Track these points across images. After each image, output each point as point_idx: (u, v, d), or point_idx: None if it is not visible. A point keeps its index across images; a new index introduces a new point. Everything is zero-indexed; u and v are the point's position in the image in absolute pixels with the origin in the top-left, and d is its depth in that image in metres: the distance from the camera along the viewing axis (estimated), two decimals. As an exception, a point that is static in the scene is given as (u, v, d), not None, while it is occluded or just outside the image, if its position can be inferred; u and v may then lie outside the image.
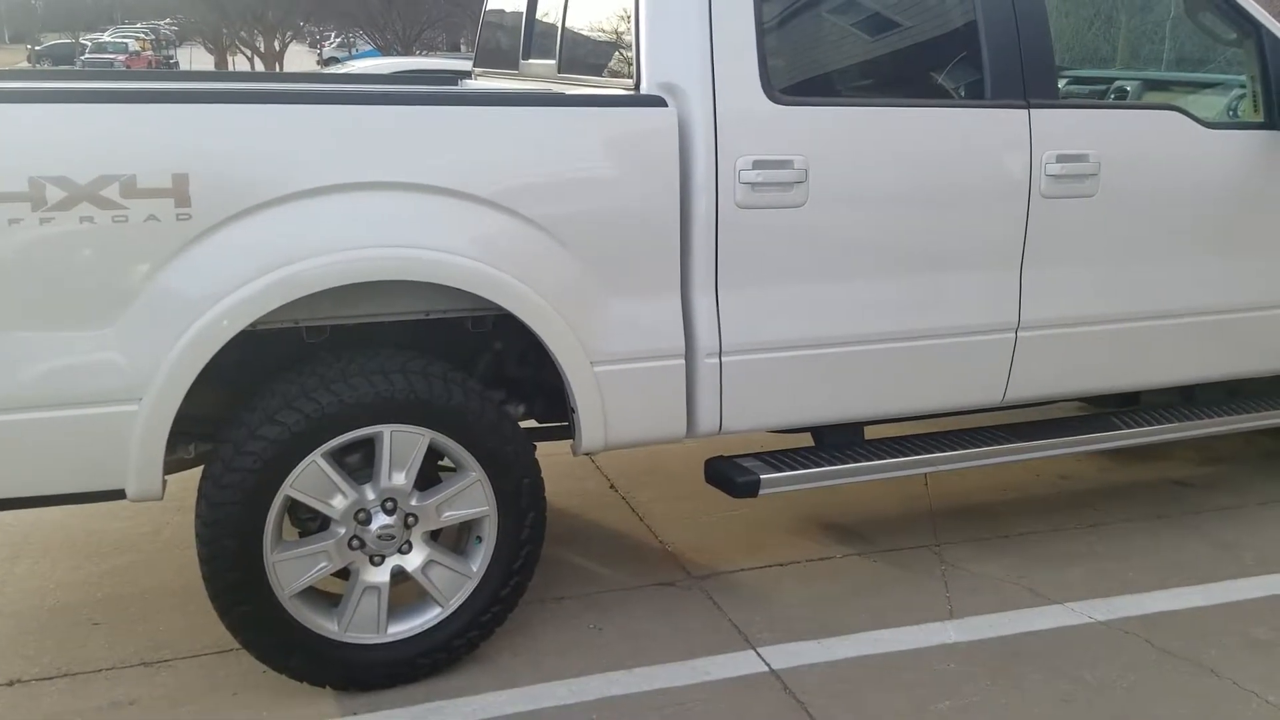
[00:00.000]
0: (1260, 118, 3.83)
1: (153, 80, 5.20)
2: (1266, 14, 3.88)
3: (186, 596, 3.48)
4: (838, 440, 3.63)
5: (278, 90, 3.31)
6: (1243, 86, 3.97)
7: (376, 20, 32.35)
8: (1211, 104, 4.14)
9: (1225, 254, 3.82)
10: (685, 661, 3.20)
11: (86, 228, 2.61)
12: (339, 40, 44.42)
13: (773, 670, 3.16)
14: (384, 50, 31.63)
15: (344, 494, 2.93)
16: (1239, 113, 3.95)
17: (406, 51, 29.83)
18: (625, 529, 4.11)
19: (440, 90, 3.93)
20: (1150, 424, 3.94)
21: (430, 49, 32.69)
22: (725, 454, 3.56)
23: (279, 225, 2.78)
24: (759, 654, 3.24)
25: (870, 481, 3.61)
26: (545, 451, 3.37)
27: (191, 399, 2.77)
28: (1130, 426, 3.91)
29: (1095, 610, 3.48)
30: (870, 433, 3.69)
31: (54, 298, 2.64)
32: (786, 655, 3.23)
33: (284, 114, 2.83)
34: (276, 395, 2.87)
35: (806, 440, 3.66)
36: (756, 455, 3.54)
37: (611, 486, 4.48)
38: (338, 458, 2.95)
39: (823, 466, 3.51)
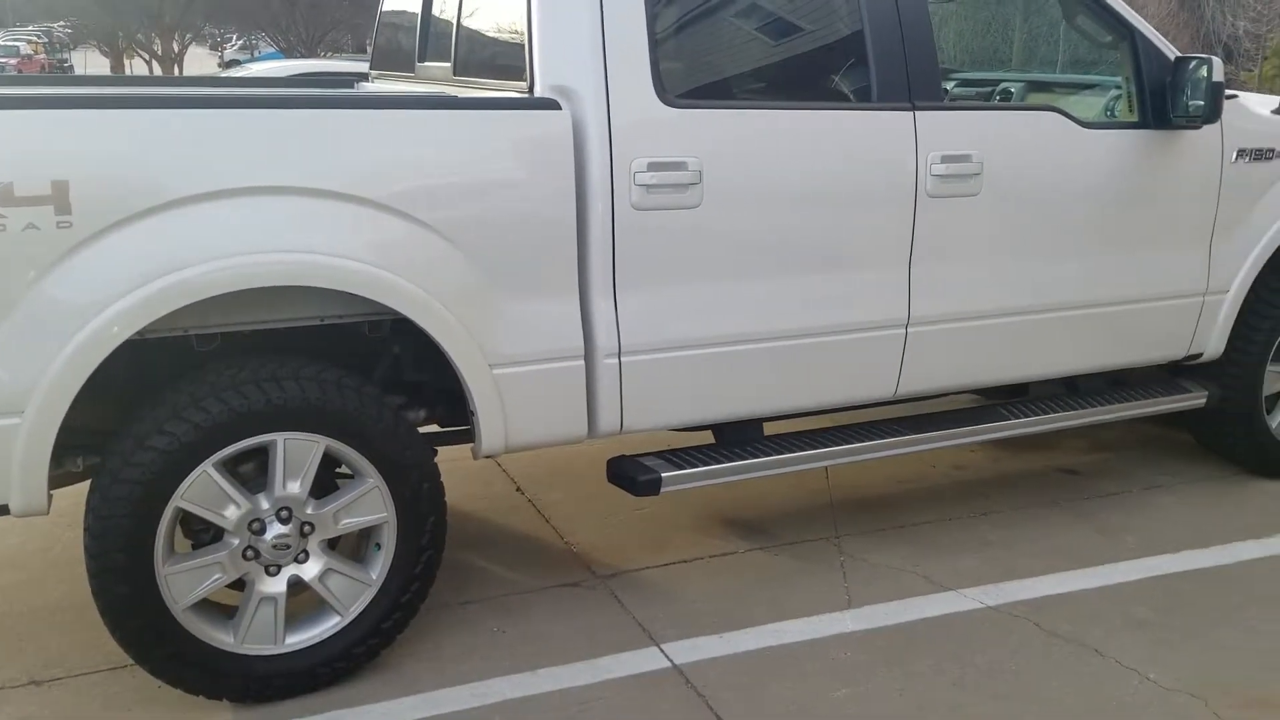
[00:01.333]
0: (1135, 117, 3.99)
1: (35, 85, 5.05)
2: (1140, 18, 4.04)
3: (77, 613, 3.38)
4: (738, 437, 3.68)
5: (162, 95, 3.26)
6: (1119, 87, 4.13)
7: (279, 22, 31.74)
8: (1091, 104, 4.29)
9: (1104, 249, 3.97)
10: (589, 661, 3.23)
11: (-38, 237, 2.53)
12: (240, 42, 43.48)
13: (675, 666, 3.20)
14: (287, 52, 31.07)
15: (237, 504, 2.89)
16: (1116, 112, 4.10)
17: (310, 54, 29.33)
18: (531, 531, 4.12)
19: (331, 93, 3.90)
20: (1037, 414, 4.07)
21: (335, 51, 32.18)
22: (628, 453, 3.59)
23: (165, 232, 2.73)
24: (662, 650, 3.28)
25: (771, 476, 3.68)
26: (450, 455, 3.37)
27: (79, 411, 2.71)
28: (1019, 417, 4.05)
29: (986, 596, 3.59)
30: (770, 429, 3.75)
31: (-72, 309, 2.56)
32: (689, 650, 3.28)
33: (168, 119, 2.78)
34: (165, 405, 2.83)
35: (708, 438, 3.70)
36: (659, 454, 3.58)
37: (518, 489, 4.48)
38: (230, 467, 2.90)
39: (723, 463, 3.56)
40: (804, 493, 4.41)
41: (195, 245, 2.75)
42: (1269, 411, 4.45)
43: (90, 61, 38.20)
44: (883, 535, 4.05)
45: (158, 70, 28.81)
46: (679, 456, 3.57)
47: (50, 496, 2.77)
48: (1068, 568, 3.79)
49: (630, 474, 3.47)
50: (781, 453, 3.65)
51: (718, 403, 3.52)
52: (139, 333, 2.74)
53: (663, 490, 3.44)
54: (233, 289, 2.79)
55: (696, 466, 3.52)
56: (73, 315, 2.66)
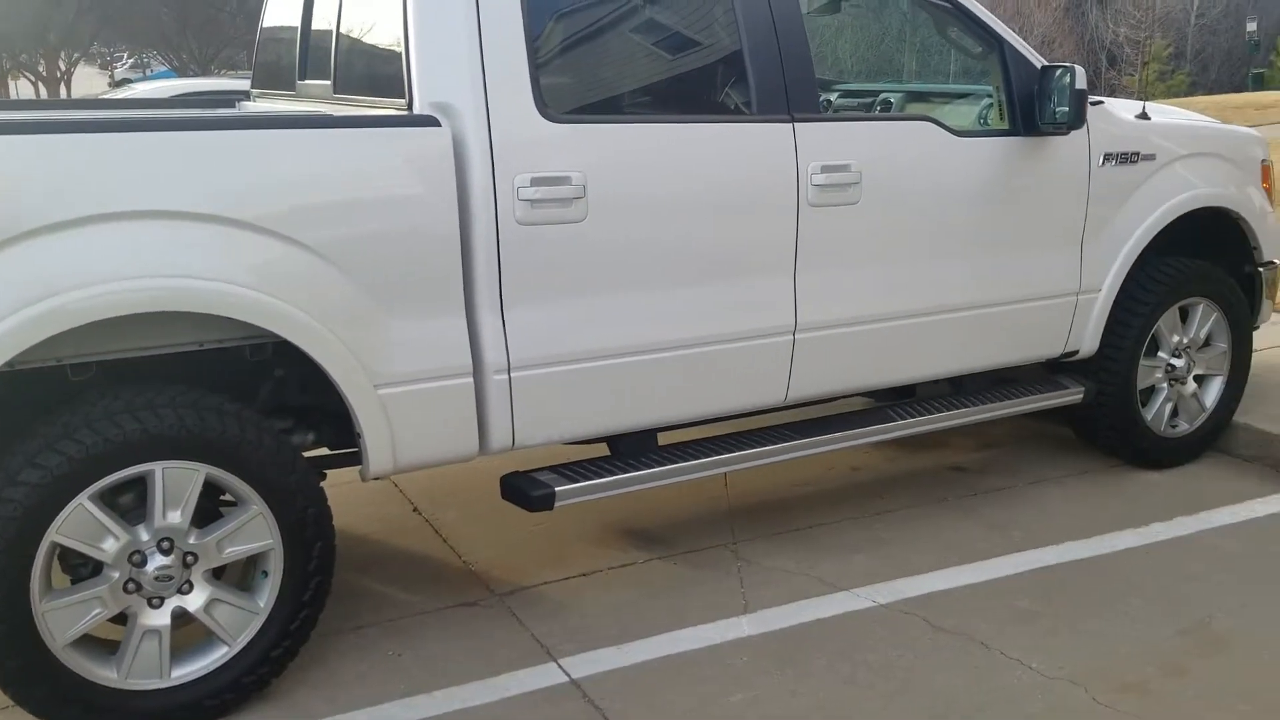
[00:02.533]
0: (1005, 125, 4.13)
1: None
2: (1007, 28, 4.18)
3: (-48, 657, 3.26)
4: (632, 448, 3.71)
5: (30, 120, 3.16)
6: (990, 96, 4.27)
7: (170, 40, 31.04)
8: (965, 113, 4.42)
9: (982, 252, 4.09)
10: (486, 680, 3.21)
11: None
12: (132, 61, 42.39)
13: (573, 680, 3.21)
14: (180, 71, 30.39)
15: (115, 536, 2.83)
16: (988, 121, 4.24)
17: (204, 72, 28.73)
18: (428, 551, 4.09)
19: (206, 114, 3.82)
20: (925, 414, 4.18)
21: (230, 68, 31.56)
22: (522, 469, 3.58)
23: (35, 258, 2.67)
24: (560, 665, 3.28)
25: (668, 486, 3.71)
26: (345, 477, 3.34)
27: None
28: (907, 418, 4.14)
29: (878, 594, 3.67)
30: (665, 438, 3.78)
31: None
32: (587, 663, 3.29)
33: (37, 144, 2.71)
34: (37, 437, 2.75)
35: (604, 450, 3.72)
36: (553, 468, 3.59)
37: (414, 509, 4.44)
38: (108, 499, 2.84)
39: (618, 475, 3.58)
40: (702, 500, 4.46)
41: (67, 272, 2.69)
42: (1143, 405, 4.62)
43: (-29, 83, 36.83)
44: (779, 539, 4.11)
45: (44, 92, 27.93)
46: (573, 470, 3.58)
47: (-84, 536, 2.67)
48: (957, 563, 3.89)
49: (524, 490, 3.47)
50: (676, 462, 3.69)
51: (610, 415, 3.54)
52: (8, 363, 2.66)
53: (557, 505, 3.45)
54: (106, 316, 2.73)
55: (591, 479, 3.54)
56: (-64, 347, 2.57)
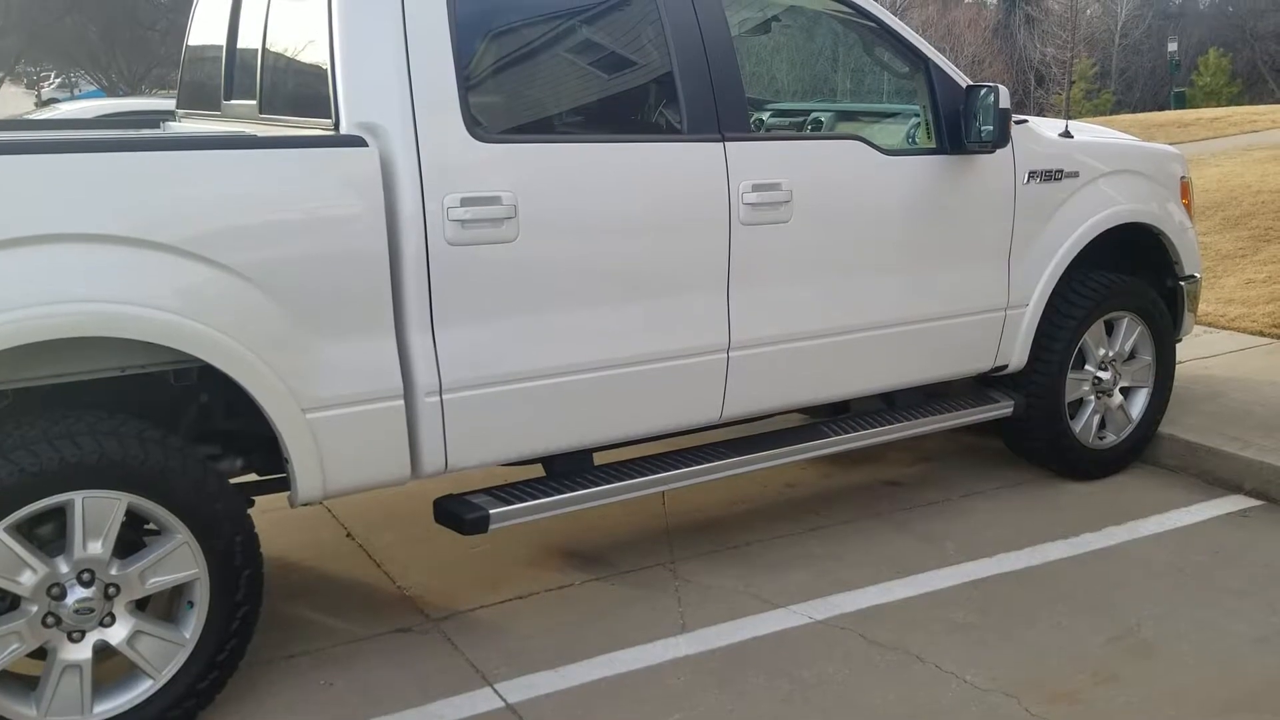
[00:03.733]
0: (932, 143, 4.19)
1: None
2: (933, 49, 4.25)
3: None
4: (567, 468, 3.69)
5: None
6: (918, 115, 4.33)
7: (98, 59, 30.48)
8: (893, 132, 4.48)
9: (911, 269, 4.14)
10: (420, 707, 3.17)
11: None
12: (59, 81, 41.54)
13: (508, 705, 3.17)
14: (109, 90, 29.84)
15: (33, 569, 2.74)
16: (915, 139, 4.30)
17: (134, 91, 28.24)
18: (361, 577, 4.02)
19: (125, 136, 3.75)
20: (858, 430, 4.21)
21: (162, 87, 31.06)
22: (455, 492, 3.55)
23: (-55, 284, 2.58)
24: (495, 690, 3.24)
25: (604, 505, 3.69)
26: (274, 503, 3.27)
27: None
28: (841, 434, 4.17)
29: (814, 610, 3.68)
30: (601, 458, 3.76)
31: None
32: (523, 688, 3.25)
33: (-58, 165, 2.63)
34: (-51, 468, 2.66)
35: (540, 471, 3.69)
36: (487, 490, 3.55)
37: (348, 534, 4.37)
38: (25, 530, 2.75)
39: (552, 495, 3.56)
40: (641, 519, 4.44)
41: (-22, 297, 2.61)
42: (1072, 417, 4.70)
43: (-110, 103, 35.83)
44: (717, 556, 4.11)
45: (-34, 111, 27.21)
46: (507, 492, 3.55)
47: None
48: (892, 577, 3.92)
49: (457, 513, 3.43)
50: (612, 481, 3.68)
51: (544, 435, 3.52)
52: (-84, 392, 2.58)
53: (491, 527, 3.42)
54: (22, 343, 2.65)
55: (526, 500, 3.51)
56: None
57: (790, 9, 4.85)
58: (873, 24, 4.13)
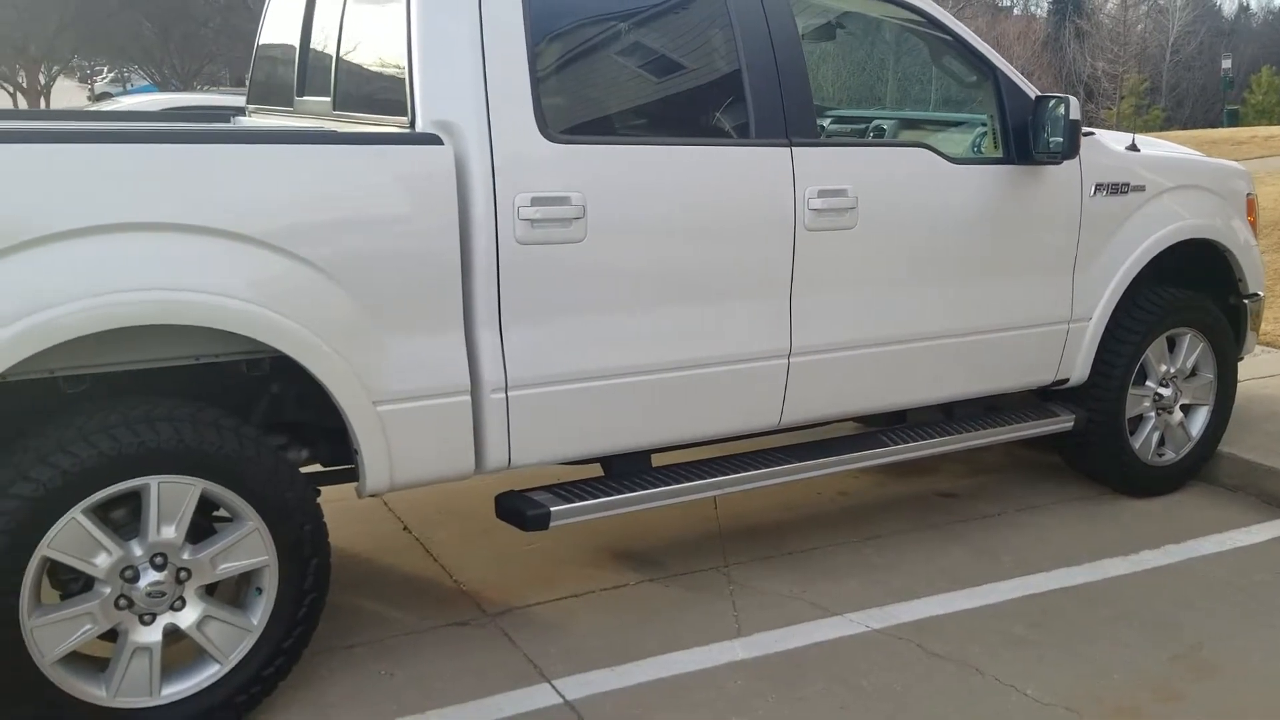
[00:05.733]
0: (999, 153, 4.17)
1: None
2: (1002, 58, 4.23)
3: (-66, 673, 3.20)
4: (626, 469, 3.69)
5: (29, 130, 3.14)
6: (984, 125, 4.31)
7: (152, 54, 30.94)
8: (958, 141, 4.46)
9: (975, 279, 4.12)
10: (479, 700, 3.18)
11: None
12: (112, 75, 42.21)
13: (567, 701, 3.18)
14: (161, 85, 30.28)
15: (108, 551, 2.79)
16: (981, 149, 4.28)
17: (186, 87, 28.64)
18: (419, 570, 4.06)
19: (207, 128, 3.82)
20: (916, 440, 4.18)
21: (213, 84, 31.49)
22: (516, 488, 3.57)
23: (32, 269, 2.64)
24: (553, 686, 3.26)
25: (661, 507, 3.70)
26: (334, 495, 3.31)
27: (-68, 458, 2.59)
28: (898, 443, 4.15)
29: (871, 619, 3.67)
30: (659, 460, 3.77)
31: None
32: (580, 685, 3.26)
33: (36, 154, 2.69)
34: (30, 450, 2.71)
35: (597, 470, 3.71)
36: (547, 488, 3.57)
37: (405, 528, 4.41)
38: (101, 513, 2.80)
39: (612, 496, 3.57)
40: (693, 522, 4.44)
41: (64, 283, 2.66)
42: (1131, 433, 4.65)
43: (-51, 94, 36.58)
44: (771, 562, 4.10)
45: (23, 103, 27.76)
46: (568, 490, 3.56)
47: (-96, 549, 2.63)
48: (949, 589, 3.90)
49: (519, 509, 3.45)
50: (670, 484, 3.68)
51: (605, 435, 3.53)
52: (0, 375, 2.63)
53: (552, 524, 3.43)
54: (102, 329, 2.70)
55: (585, 500, 3.52)
56: (-69, 357, 2.54)
57: (856, 15, 4.84)
58: (943, 33, 4.13)
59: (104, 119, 5.45)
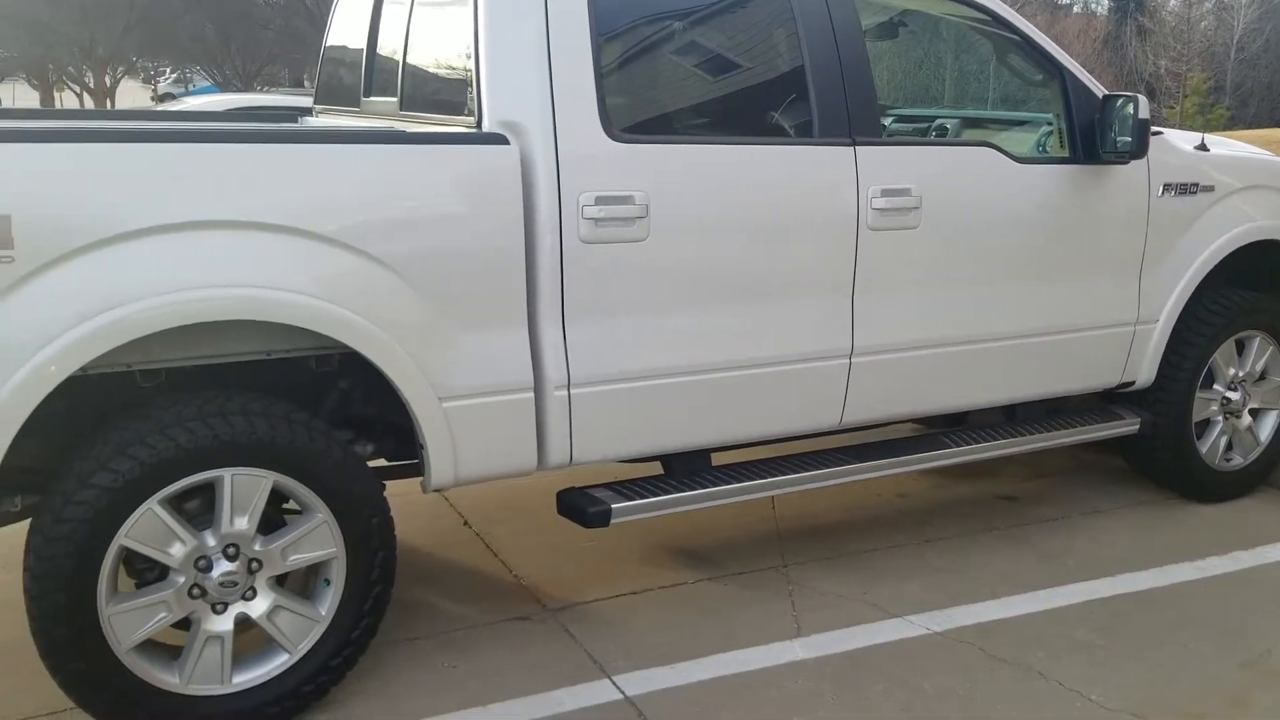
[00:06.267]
0: (1065, 152, 4.12)
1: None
2: (1069, 57, 4.18)
3: (14, 656, 3.28)
4: (686, 467, 3.70)
5: (107, 129, 3.23)
6: (1050, 124, 4.26)
7: (214, 56, 31.49)
8: (1023, 140, 4.41)
9: (1039, 280, 4.08)
10: (540, 694, 3.21)
11: (-100, 272, 2.49)
12: (175, 76, 42.99)
13: (628, 697, 3.20)
14: (222, 86, 30.81)
15: (183, 541, 2.85)
16: (1047, 148, 4.23)
17: (247, 88, 29.12)
18: (479, 565, 4.10)
19: (278, 128, 3.89)
20: (978, 442, 4.15)
21: (272, 85, 31.99)
22: (577, 485, 3.59)
23: (109, 266, 2.70)
24: (613, 682, 3.28)
25: (719, 506, 3.70)
26: (396, 490, 3.34)
27: (15, 448, 2.66)
28: (959, 445, 4.12)
29: (932, 621, 3.64)
30: (718, 459, 3.78)
31: None
32: (641, 681, 3.28)
33: (114, 152, 2.76)
34: (109, 442, 2.78)
35: (656, 469, 3.72)
36: (608, 485, 3.59)
37: (465, 523, 4.46)
38: (176, 504, 2.86)
39: (672, 494, 3.58)
40: (751, 522, 4.44)
41: (140, 280, 2.72)
42: (1198, 437, 4.58)
43: (19, 94, 37.49)
44: (830, 563, 4.09)
45: (89, 103, 28.38)
46: (628, 488, 3.58)
47: (-12, 537, 2.72)
48: (1011, 592, 3.86)
49: (580, 506, 3.48)
50: (730, 483, 3.69)
51: (667, 433, 3.55)
52: (80, 368, 2.70)
53: (613, 521, 3.45)
54: (176, 324, 2.76)
55: (646, 498, 3.54)
56: (14, 352, 2.61)
57: (920, 14, 4.81)
58: (1010, 32, 4.09)
59: (172, 119, 5.56)
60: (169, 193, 2.77)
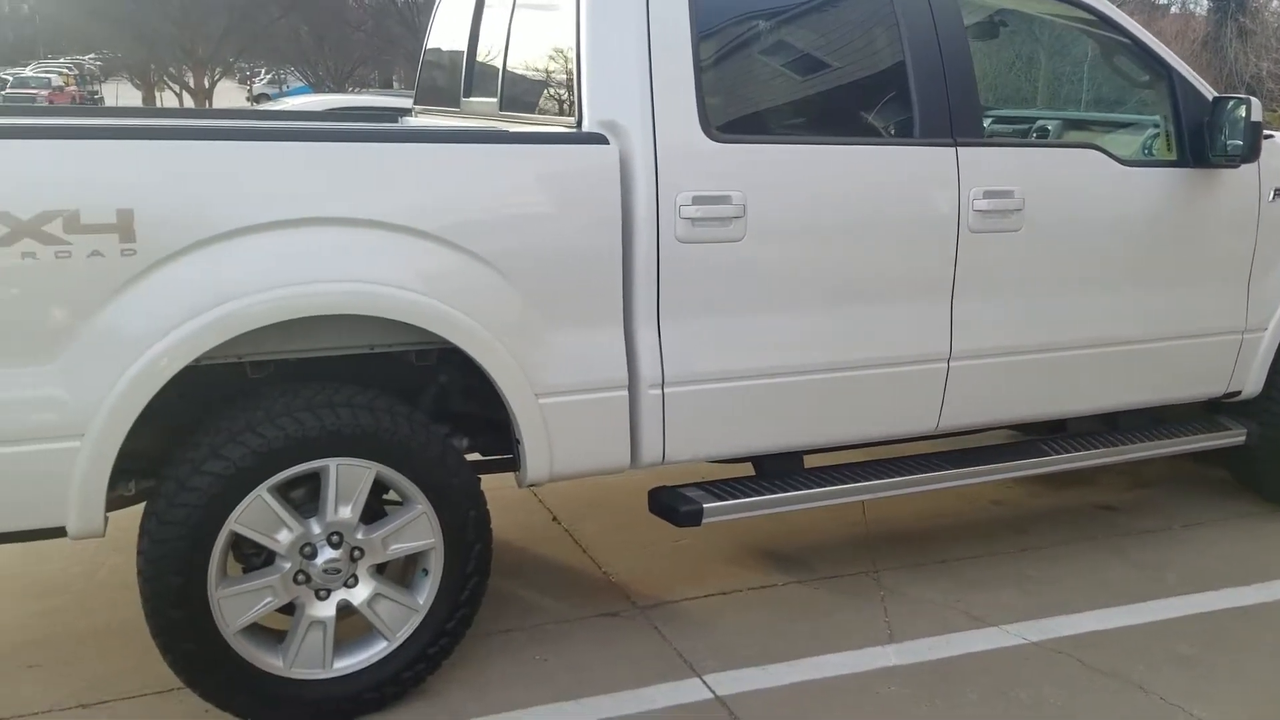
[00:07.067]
0: (1173, 156, 4.02)
1: (97, 116, 5.16)
2: (1177, 58, 4.08)
3: (124, 637, 3.42)
4: (778, 469, 3.69)
5: (224, 127, 3.33)
6: (1156, 126, 4.16)
7: (308, 57, 32.21)
8: (1127, 142, 4.32)
9: (1144, 286, 3.98)
10: (631, 690, 3.23)
11: (29, 263, 2.60)
12: (269, 77, 44.07)
13: (718, 697, 3.21)
14: (315, 87, 31.48)
15: (290, 528, 2.93)
16: (1153, 151, 4.13)
17: (339, 88, 29.72)
18: (569, 561, 4.14)
19: (387, 127, 3.97)
20: (1077, 450, 4.07)
21: (362, 86, 32.61)
22: (668, 484, 3.60)
23: (225, 260, 2.78)
24: (704, 681, 3.28)
25: (810, 509, 3.69)
26: (486, 485, 3.39)
27: (131, 435, 2.75)
28: (1058, 452, 4.05)
29: (1028, 631, 3.58)
30: (809, 461, 3.76)
31: (-4, 333, 2.61)
32: (731, 682, 3.28)
33: (230, 150, 2.85)
34: (221, 430, 2.87)
35: (747, 469, 3.72)
36: (699, 485, 3.60)
37: (554, 519, 4.50)
38: (283, 492, 2.94)
39: (764, 495, 3.57)
40: (840, 525, 4.41)
41: (255, 274, 2.80)
42: (1308, 450, 4.43)
43: (122, 93, 38.79)
44: (922, 569, 4.04)
45: (189, 103, 29.24)
46: (720, 488, 3.58)
47: (106, 519, 2.81)
48: (1109, 604, 3.78)
49: (672, 505, 3.49)
50: (822, 486, 3.66)
51: (759, 434, 3.54)
52: (195, 359, 2.79)
53: (704, 521, 3.45)
54: (291, 317, 2.84)
55: (738, 498, 3.53)
56: (134, 341, 2.71)
57: (1022, 14, 4.73)
58: (1118, 33, 4.00)
59: (275, 118, 5.71)
60: (284, 190, 2.84)
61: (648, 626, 3.61)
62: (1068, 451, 4.06)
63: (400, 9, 29.24)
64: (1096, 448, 4.10)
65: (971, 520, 4.53)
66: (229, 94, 39.75)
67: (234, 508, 2.84)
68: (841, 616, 3.69)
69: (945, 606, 3.75)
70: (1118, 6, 4.07)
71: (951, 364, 3.69)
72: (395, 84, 32.66)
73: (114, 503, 2.98)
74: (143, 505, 2.98)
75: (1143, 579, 3.98)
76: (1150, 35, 4.06)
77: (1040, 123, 4.78)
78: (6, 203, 2.57)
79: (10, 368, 2.64)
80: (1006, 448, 4.10)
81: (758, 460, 3.69)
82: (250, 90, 42.76)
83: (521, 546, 4.24)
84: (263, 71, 45.25)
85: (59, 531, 2.78)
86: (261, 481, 2.85)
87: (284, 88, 39.01)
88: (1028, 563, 4.11)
